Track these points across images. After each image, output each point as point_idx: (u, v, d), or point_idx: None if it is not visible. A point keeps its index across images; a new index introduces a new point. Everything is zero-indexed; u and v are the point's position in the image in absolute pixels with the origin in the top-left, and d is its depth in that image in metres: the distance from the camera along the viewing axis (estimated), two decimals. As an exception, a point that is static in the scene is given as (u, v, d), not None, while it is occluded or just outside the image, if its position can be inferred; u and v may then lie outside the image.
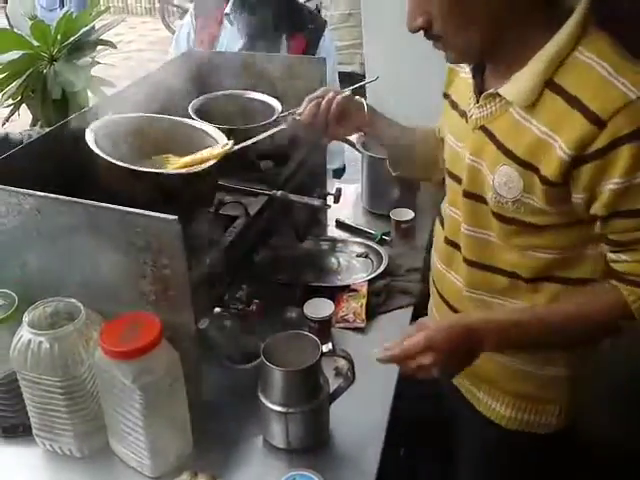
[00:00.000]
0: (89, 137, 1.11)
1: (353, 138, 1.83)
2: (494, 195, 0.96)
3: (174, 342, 0.99)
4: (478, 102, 0.97)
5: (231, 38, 2.07)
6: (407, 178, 1.43)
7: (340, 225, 1.71)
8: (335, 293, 1.42)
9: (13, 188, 0.98)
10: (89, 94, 2.30)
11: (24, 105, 2.28)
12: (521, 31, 0.89)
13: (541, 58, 0.87)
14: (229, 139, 1.24)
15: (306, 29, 2.06)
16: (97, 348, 0.96)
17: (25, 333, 0.96)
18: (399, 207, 1.68)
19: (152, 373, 0.94)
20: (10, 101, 2.20)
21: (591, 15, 0.87)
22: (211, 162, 1.15)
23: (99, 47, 2.27)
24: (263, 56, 1.63)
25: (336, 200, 1.57)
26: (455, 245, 1.10)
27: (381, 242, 1.63)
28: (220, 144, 1.19)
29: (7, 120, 2.33)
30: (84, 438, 1.03)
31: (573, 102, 0.84)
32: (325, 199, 1.50)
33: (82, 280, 1.03)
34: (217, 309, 1.23)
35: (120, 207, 0.94)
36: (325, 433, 1.09)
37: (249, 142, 1.27)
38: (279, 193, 1.32)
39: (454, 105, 1.08)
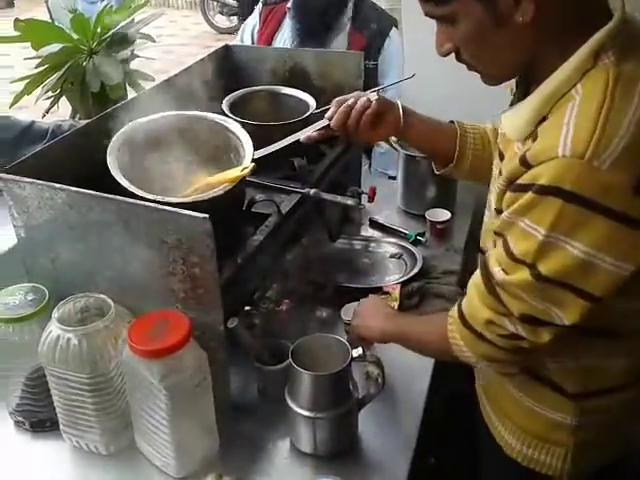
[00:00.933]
0: (111, 161, 1.08)
1: (390, 136, 1.80)
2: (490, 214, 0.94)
3: (202, 341, 0.98)
4: None
5: (289, 33, 2.05)
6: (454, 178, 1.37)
7: (374, 224, 1.68)
8: (366, 294, 1.39)
9: (46, 182, 0.98)
10: (128, 87, 2.32)
11: (64, 98, 2.32)
12: (556, 50, 0.80)
13: (543, 91, 0.80)
14: (257, 138, 1.21)
15: (367, 29, 1.99)
16: (125, 346, 0.95)
17: (54, 328, 0.96)
18: (435, 207, 1.64)
19: (180, 372, 0.93)
20: (50, 93, 2.23)
21: (616, 36, 0.77)
22: (226, 186, 1.07)
23: (138, 40, 2.28)
24: (300, 52, 1.61)
25: (370, 199, 1.54)
26: None
27: (415, 243, 1.59)
28: (239, 167, 1.13)
29: (47, 112, 2.36)
30: (110, 436, 1.03)
31: (534, 139, 0.80)
32: (359, 198, 1.47)
33: (112, 276, 1.02)
34: (246, 308, 1.22)
35: (151, 204, 0.93)
36: (353, 439, 1.06)
37: (266, 151, 1.26)
38: (312, 191, 1.29)
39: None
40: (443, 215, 1.62)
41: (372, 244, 1.60)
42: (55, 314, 0.97)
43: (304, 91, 1.51)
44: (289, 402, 1.02)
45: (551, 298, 0.80)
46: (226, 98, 1.46)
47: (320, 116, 1.41)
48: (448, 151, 1.21)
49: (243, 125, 1.41)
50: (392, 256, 1.56)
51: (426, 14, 0.84)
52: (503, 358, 0.89)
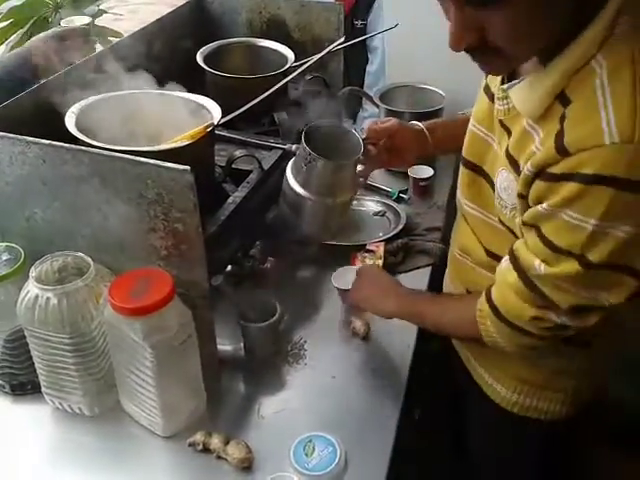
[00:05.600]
0: (69, 121, 1.04)
1: (370, 92, 1.77)
2: (497, 198, 0.87)
3: (186, 299, 0.95)
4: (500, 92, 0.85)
5: None
6: None
7: (356, 182, 1.66)
8: (350, 252, 1.38)
9: (17, 136, 0.93)
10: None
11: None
12: (575, 17, 0.71)
13: (560, 64, 0.73)
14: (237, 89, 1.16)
15: None
16: (107, 305, 0.92)
17: (32, 288, 0.92)
18: (418, 164, 1.62)
19: (164, 331, 0.91)
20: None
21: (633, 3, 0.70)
22: (183, 142, 1.04)
23: (105, -5, 2.19)
24: (277, 2, 1.55)
25: (353, 155, 1.51)
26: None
27: (398, 200, 1.57)
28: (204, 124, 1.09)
29: (12, 71, 2.26)
30: (94, 397, 1.00)
31: (562, 122, 0.72)
32: (341, 154, 1.44)
33: (90, 234, 0.98)
34: (230, 266, 1.19)
35: (130, 156, 0.89)
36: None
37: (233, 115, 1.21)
38: (294, 147, 1.26)
39: (486, 88, 0.93)
40: (426, 172, 1.60)
41: (355, 202, 1.58)
42: (32, 273, 0.93)
43: (282, 44, 1.47)
44: (303, 193, 1.04)
45: (600, 284, 0.77)
46: (200, 50, 1.41)
47: (297, 68, 1.37)
48: None
49: (219, 78, 1.37)
50: (375, 214, 1.54)
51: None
52: (540, 344, 0.86)
